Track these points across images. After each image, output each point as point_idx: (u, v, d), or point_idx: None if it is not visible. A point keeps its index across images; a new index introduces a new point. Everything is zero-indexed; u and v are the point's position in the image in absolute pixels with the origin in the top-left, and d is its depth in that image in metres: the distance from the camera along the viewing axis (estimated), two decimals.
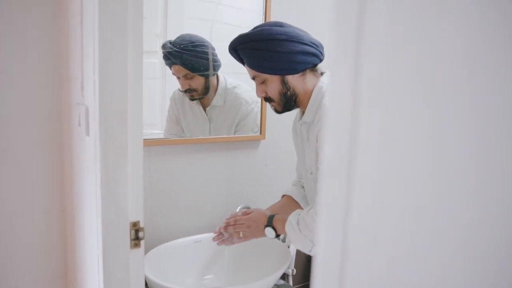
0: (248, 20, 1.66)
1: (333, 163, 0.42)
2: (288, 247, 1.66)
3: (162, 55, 1.56)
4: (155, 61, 1.56)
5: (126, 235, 1.02)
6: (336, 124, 0.41)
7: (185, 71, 1.59)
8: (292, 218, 1.27)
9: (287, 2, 1.77)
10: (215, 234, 1.43)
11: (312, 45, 1.24)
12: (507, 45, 0.30)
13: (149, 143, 1.51)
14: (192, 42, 1.58)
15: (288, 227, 1.27)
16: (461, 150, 0.33)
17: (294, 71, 1.25)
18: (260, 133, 1.78)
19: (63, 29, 1.19)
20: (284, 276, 1.77)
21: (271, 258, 1.55)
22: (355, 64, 0.39)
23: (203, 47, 1.60)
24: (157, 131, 1.61)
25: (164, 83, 1.60)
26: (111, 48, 0.94)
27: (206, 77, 1.64)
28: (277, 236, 1.35)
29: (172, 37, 1.56)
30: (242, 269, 1.59)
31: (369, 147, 0.39)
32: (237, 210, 1.50)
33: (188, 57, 1.57)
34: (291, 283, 1.78)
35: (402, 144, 0.37)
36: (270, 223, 1.34)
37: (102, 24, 0.93)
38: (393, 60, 0.37)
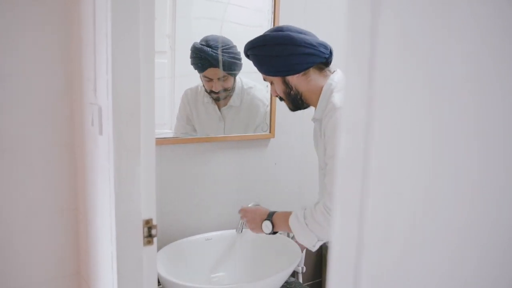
0: (257, 19, 1.67)
1: (348, 158, 0.43)
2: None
3: (171, 55, 1.57)
4: (165, 61, 1.57)
5: (139, 232, 1.04)
6: (351, 120, 0.42)
7: (223, 74, 1.61)
8: (298, 212, 1.29)
9: (295, 1, 1.77)
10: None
11: (307, 45, 1.27)
12: (507, 51, 0.31)
13: (160, 142, 1.52)
14: (227, 44, 1.60)
15: (293, 221, 1.28)
16: (466, 144, 0.34)
17: (293, 72, 1.30)
18: (270, 132, 1.79)
19: (75, 29, 1.21)
20: (294, 274, 1.78)
21: (281, 256, 1.56)
22: (369, 64, 0.40)
23: (234, 48, 1.63)
24: (167, 131, 1.63)
25: (173, 83, 1.62)
26: (124, 48, 0.96)
27: (234, 76, 1.68)
28: (274, 232, 1.38)
29: (181, 37, 1.57)
30: (253, 266, 1.60)
31: (383, 143, 0.40)
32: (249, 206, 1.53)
33: (227, 59, 1.59)
34: (301, 280, 1.79)
35: (413, 139, 0.38)
36: (269, 217, 1.37)
37: (114, 25, 0.94)
38: (404, 61, 0.38)
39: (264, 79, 1.40)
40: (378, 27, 0.39)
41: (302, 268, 1.79)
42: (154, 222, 1.06)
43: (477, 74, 0.33)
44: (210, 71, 1.59)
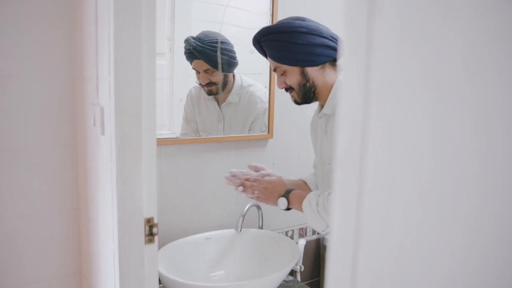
0: (256, 21, 1.69)
1: (346, 154, 0.44)
2: (297, 243, 1.69)
3: (170, 56, 1.59)
4: (164, 62, 1.59)
5: (141, 231, 1.05)
6: (349, 118, 0.44)
7: (207, 66, 1.64)
8: (312, 198, 1.29)
9: (293, 5, 1.80)
10: (230, 175, 1.48)
11: (332, 39, 1.28)
12: (504, 47, 0.32)
13: (161, 142, 1.54)
14: (216, 39, 1.63)
15: (306, 206, 1.29)
16: (463, 141, 0.35)
17: (313, 63, 1.29)
18: (268, 132, 1.81)
19: (77, 30, 1.22)
20: (292, 273, 1.80)
21: (280, 255, 1.58)
22: (365, 64, 0.42)
23: (226, 45, 1.65)
24: (166, 132, 1.65)
25: (172, 84, 1.64)
26: (126, 50, 0.98)
27: (226, 73, 1.70)
28: (288, 209, 1.38)
29: (181, 39, 1.59)
30: (252, 265, 1.61)
31: (379, 139, 0.41)
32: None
33: (211, 53, 1.62)
34: (299, 279, 1.80)
35: (409, 136, 0.39)
36: (286, 194, 1.38)
37: (117, 26, 0.96)
38: (400, 60, 0.39)
39: (275, 69, 1.35)
40: (375, 26, 0.40)
41: (300, 267, 1.81)
42: (155, 221, 1.07)
43: (477, 72, 0.34)
44: (196, 63, 1.64)
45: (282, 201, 1.37)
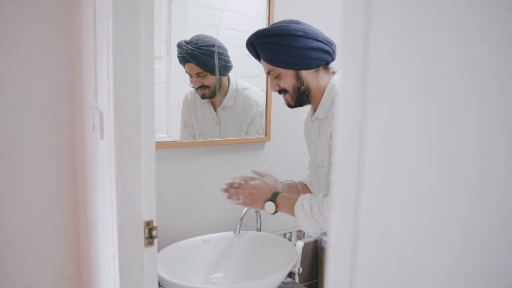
0: (252, 25, 1.70)
1: (344, 155, 0.45)
2: (295, 245, 1.69)
3: (167, 60, 1.60)
4: (161, 66, 1.60)
5: (141, 233, 1.05)
6: (346, 119, 0.44)
7: (198, 69, 1.64)
8: (305, 201, 1.27)
9: (290, 8, 1.81)
10: (225, 187, 1.44)
11: (326, 42, 1.28)
12: (503, 48, 0.33)
13: (159, 146, 1.54)
14: (213, 43, 1.63)
15: (298, 209, 1.28)
16: (461, 142, 0.35)
17: (308, 67, 1.29)
18: (265, 135, 1.82)
19: (75, 35, 1.23)
20: (290, 275, 1.80)
21: (278, 257, 1.58)
22: (363, 65, 0.42)
23: (221, 48, 1.66)
24: (163, 135, 1.65)
25: (169, 88, 1.64)
26: (125, 54, 0.98)
27: (221, 76, 1.70)
28: (275, 212, 1.35)
29: (177, 43, 1.60)
30: (250, 267, 1.62)
31: (377, 140, 0.42)
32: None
33: (202, 56, 1.62)
34: (297, 281, 1.81)
35: (407, 137, 0.39)
36: (273, 198, 1.35)
37: (116, 31, 0.96)
38: (397, 61, 0.39)
39: (269, 71, 1.34)
40: (372, 27, 0.41)
41: (299, 269, 1.81)
42: (155, 224, 1.08)
43: (475, 73, 0.34)
44: (188, 66, 1.64)
45: (270, 205, 1.35)
